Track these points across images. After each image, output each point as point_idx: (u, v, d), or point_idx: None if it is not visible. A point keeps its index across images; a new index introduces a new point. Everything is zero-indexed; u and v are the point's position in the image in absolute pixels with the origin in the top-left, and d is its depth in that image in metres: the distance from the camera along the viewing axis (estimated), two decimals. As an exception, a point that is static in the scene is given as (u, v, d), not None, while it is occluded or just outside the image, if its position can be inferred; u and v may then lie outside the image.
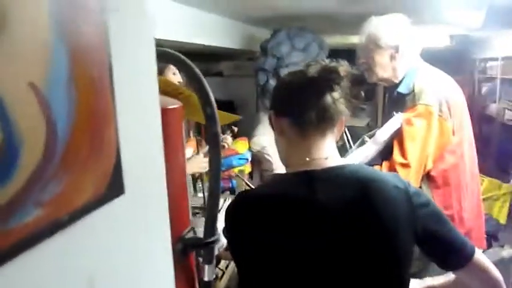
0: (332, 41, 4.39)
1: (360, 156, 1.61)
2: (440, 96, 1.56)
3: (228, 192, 2.88)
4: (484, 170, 4.08)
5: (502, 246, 2.83)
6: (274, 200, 0.87)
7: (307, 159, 0.89)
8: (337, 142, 0.96)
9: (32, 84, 0.30)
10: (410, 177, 1.50)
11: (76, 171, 0.34)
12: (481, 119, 5.58)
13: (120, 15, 0.42)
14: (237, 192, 2.75)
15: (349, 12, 2.90)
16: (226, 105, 3.77)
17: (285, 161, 0.97)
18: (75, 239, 0.36)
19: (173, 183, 0.60)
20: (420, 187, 1.58)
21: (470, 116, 1.70)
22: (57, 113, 0.33)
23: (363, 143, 1.71)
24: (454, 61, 4.58)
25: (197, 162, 1.89)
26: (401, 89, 1.66)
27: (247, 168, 2.75)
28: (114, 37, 0.40)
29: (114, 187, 0.39)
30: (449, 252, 0.88)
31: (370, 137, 1.69)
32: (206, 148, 2.00)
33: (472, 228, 1.64)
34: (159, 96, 0.50)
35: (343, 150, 1.76)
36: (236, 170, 2.66)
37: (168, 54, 0.64)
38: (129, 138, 0.43)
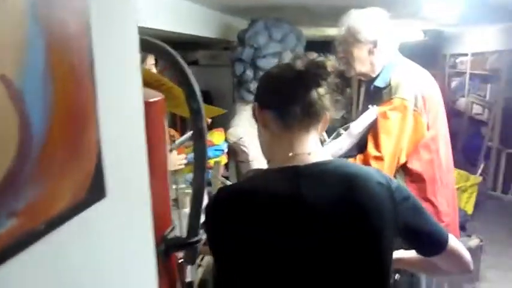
0: (308, 33, 4.39)
1: (334, 148, 1.61)
2: (416, 90, 1.57)
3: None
4: (453, 162, 4.22)
5: (469, 236, 2.93)
6: (256, 196, 0.85)
7: (290, 154, 0.87)
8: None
9: (2, 76, 0.26)
10: (384, 170, 1.50)
11: (54, 175, 0.31)
12: (450, 113, 5.74)
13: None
14: (212, 184, 2.72)
15: (327, 5, 2.89)
16: (203, 96, 3.70)
17: (267, 155, 0.96)
18: (54, 249, 0.32)
19: (155, 180, 0.56)
20: (395, 179, 1.60)
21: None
22: (33, 108, 0.29)
23: (338, 135, 1.71)
24: (427, 56, 4.66)
25: (172, 160, 1.80)
26: (378, 82, 1.66)
27: (223, 159, 2.71)
28: (96, 23, 0.36)
29: (95, 190, 0.36)
30: (427, 243, 0.93)
31: (346, 129, 1.68)
32: (177, 142, 1.92)
33: (449, 223, 1.67)
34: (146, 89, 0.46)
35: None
36: (212, 161, 2.62)
37: (151, 43, 0.60)
38: (111, 135, 0.39)
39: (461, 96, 5.68)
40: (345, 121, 4.24)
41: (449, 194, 1.69)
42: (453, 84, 6.01)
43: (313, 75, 0.84)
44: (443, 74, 5.92)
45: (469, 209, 3.69)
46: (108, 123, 0.39)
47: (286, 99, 0.86)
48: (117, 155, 0.41)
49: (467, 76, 5.44)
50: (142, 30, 1.86)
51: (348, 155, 1.66)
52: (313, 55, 0.87)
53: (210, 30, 3.17)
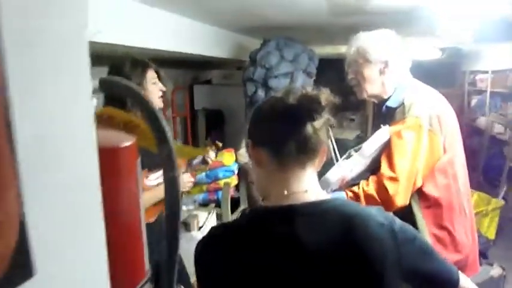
0: (322, 51, 4.36)
1: (344, 169, 1.54)
2: (431, 110, 1.50)
3: (214, 205, 2.80)
4: (472, 184, 4.05)
5: (491, 265, 2.78)
6: (249, 236, 0.81)
7: (286, 192, 0.83)
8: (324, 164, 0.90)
9: None
10: (399, 192, 1.44)
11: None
12: (470, 132, 5.59)
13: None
14: (222, 206, 2.68)
15: (340, 24, 2.87)
16: (215, 114, 3.71)
17: (262, 192, 0.91)
18: None
19: (126, 229, 0.52)
20: (410, 205, 1.51)
21: (460, 128, 1.64)
22: None
23: (349, 156, 1.63)
24: (445, 73, 4.58)
25: (182, 182, 1.79)
26: (391, 103, 1.59)
27: (234, 180, 2.68)
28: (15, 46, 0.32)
29: (17, 269, 0.31)
30: (436, 285, 0.87)
31: (357, 151, 1.60)
32: (194, 162, 1.89)
33: (468, 254, 1.57)
34: (106, 131, 0.42)
35: (330, 164, 1.69)
36: (221, 182, 2.59)
37: (113, 83, 0.57)
38: (43, 197, 0.35)
39: (482, 114, 5.52)
40: (360, 141, 4.16)
41: (468, 222, 1.59)
42: (473, 102, 5.85)
43: (306, 109, 0.80)
44: (462, 92, 5.79)
45: (491, 235, 3.53)
46: (36, 183, 0.34)
47: (279, 136, 0.82)
48: (54, 224, 0.36)
49: (488, 94, 5.29)
50: (156, 53, 1.84)
51: (358, 180, 1.59)
52: (306, 88, 0.84)
53: (222, 50, 3.19)
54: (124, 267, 0.49)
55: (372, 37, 1.59)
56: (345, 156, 1.63)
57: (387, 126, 1.53)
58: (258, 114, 0.88)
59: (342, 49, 5.25)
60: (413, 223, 1.49)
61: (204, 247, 0.84)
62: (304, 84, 2.78)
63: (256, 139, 0.86)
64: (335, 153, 1.91)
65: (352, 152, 1.61)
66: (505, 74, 4.80)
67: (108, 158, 0.43)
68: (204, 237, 0.85)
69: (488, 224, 3.55)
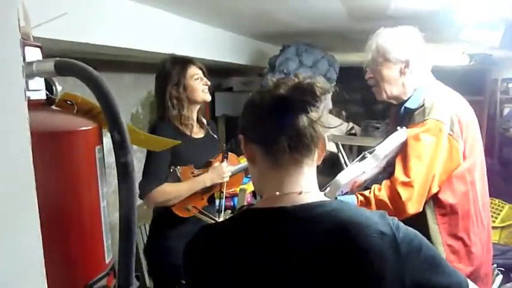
0: (343, 58, 4.30)
1: (356, 171, 1.44)
2: (453, 113, 1.40)
3: (229, 211, 2.79)
4: (504, 195, 3.87)
5: (522, 281, 2.61)
6: (235, 241, 0.75)
7: (278, 193, 0.77)
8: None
9: None
10: (412, 199, 1.35)
11: None
12: (502, 142, 5.36)
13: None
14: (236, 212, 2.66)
15: (360, 29, 2.83)
16: (235, 121, 3.72)
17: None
18: None
19: (83, 218, 0.50)
20: (423, 212, 1.42)
21: (492, 138, 1.54)
22: None
23: (363, 159, 1.50)
24: (473, 81, 4.40)
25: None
26: (410, 104, 1.49)
27: (250, 186, 2.66)
28: None
29: None
30: None
31: (371, 153, 1.48)
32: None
33: (481, 264, 1.48)
34: (65, 115, 0.41)
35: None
36: (237, 189, 2.57)
37: (64, 63, 0.53)
38: None
39: (515, 123, 5.28)
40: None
41: (484, 233, 1.50)
42: (506, 111, 5.62)
43: (299, 101, 0.73)
44: (494, 100, 5.57)
45: (523, 249, 3.34)
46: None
47: (270, 132, 0.75)
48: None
49: (522, 102, 5.06)
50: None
51: (371, 184, 1.52)
52: (300, 77, 0.77)
53: (243, 56, 3.21)
54: (79, 257, 0.47)
55: (393, 34, 1.51)
56: (358, 158, 1.56)
57: (404, 128, 1.45)
58: (248, 108, 0.81)
59: (365, 56, 5.18)
60: (426, 232, 1.41)
61: (190, 249, 0.79)
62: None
63: (248, 135, 0.80)
64: (343, 157, 1.83)
65: (367, 154, 1.52)
66: (539, 81, 4.59)
67: (62, 141, 0.41)
68: (191, 239, 0.80)
69: (521, 238, 3.36)
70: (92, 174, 0.52)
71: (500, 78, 5.77)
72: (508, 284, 2.53)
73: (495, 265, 2.38)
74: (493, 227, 3.19)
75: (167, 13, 2.09)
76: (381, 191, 1.41)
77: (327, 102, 0.78)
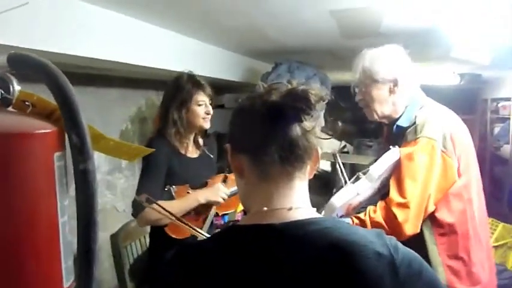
0: (335, 77, 4.31)
1: (350, 193, 1.40)
2: (445, 130, 1.39)
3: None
4: (497, 214, 3.85)
5: (518, 302, 2.56)
6: (216, 260, 0.69)
7: (265, 208, 0.70)
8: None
9: None
10: (409, 220, 1.32)
11: None
12: (493, 161, 5.37)
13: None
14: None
15: (352, 48, 2.83)
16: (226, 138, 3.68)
17: (245, 207, 0.80)
18: None
19: (38, 236, 0.44)
20: (421, 231, 1.39)
21: (483, 157, 1.52)
22: None
23: (357, 179, 1.48)
24: (463, 100, 4.44)
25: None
26: (402, 122, 1.47)
27: (240, 207, 2.60)
28: None
29: None
30: None
31: (365, 173, 1.46)
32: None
33: (487, 283, 1.43)
34: (24, 117, 0.35)
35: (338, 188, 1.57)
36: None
37: (19, 56, 0.48)
38: None
39: (505, 142, 5.32)
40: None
41: (484, 251, 1.46)
42: (496, 130, 5.67)
43: (292, 108, 0.67)
44: (484, 119, 5.63)
45: (518, 269, 3.29)
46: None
47: (260, 140, 0.69)
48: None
49: (511, 122, 5.11)
50: (170, 74, 1.83)
51: (369, 202, 1.48)
52: (293, 83, 0.71)
53: (234, 73, 3.19)
54: (31, 281, 0.41)
55: (378, 55, 1.49)
56: (353, 179, 1.53)
57: (397, 147, 1.43)
58: (237, 114, 0.76)
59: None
60: (425, 253, 1.37)
61: (168, 268, 0.73)
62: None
63: (235, 144, 0.74)
64: (343, 176, 1.80)
65: (361, 174, 1.49)
66: (528, 100, 4.64)
67: (12, 145, 0.36)
68: (169, 258, 0.74)
69: (515, 258, 3.32)
70: (50, 184, 0.46)
71: (490, 98, 5.84)
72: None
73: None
74: (488, 247, 3.16)
75: (156, 27, 2.07)
76: (376, 213, 1.38)
77: (319, 117, 0.74)
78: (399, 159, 1.40)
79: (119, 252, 1.96)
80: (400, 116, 1.51)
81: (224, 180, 1.79)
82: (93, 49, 1.63)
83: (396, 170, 1.40)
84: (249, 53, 3.19)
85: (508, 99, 5.14)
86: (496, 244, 3.27)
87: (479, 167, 1.52)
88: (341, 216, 1.45)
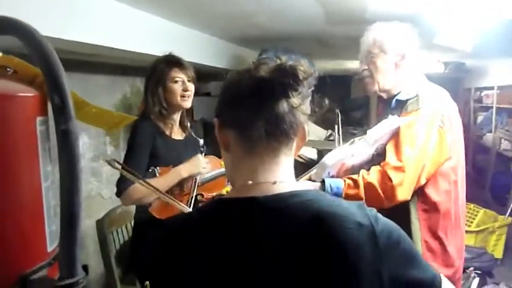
0: (321, 66, 4.32)
1: (344, 152, 1.42)
2: (444, 107, 1.42)
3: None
4: (479, 201, 3.94)
5: (497, 284, 2.64)
6: (201, 233, 0.70)
7: (250, 182, 0.71)
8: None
9: None
10: (403, 184, 1.33)
11: None
12: (477, 149, 5.48)
13: None
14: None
15: (340, 35, 2.84)
16: (213, 125, 3.67)
17: (230, 181, 0.80)
18: None
19: (20, 199, 0.43)
20: (408, 203, 1.41)
21: (466, 145, 1.55)
22: None
23: (352, 144, 1.50)
24: (448, 89, 4.49)
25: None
26: (401, 96, 1.48)
27: (227, 188, 2.60)
28: None
29: None
30: None
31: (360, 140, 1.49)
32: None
33: (458, 268, 1.47)
34: (7, 81, 0.35)
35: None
36: (225, 190, 2.51)
37: (1, 21, 0.46)
38: None
39: (488, 131, 5.42)
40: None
41: (460, 234, 1.50)
42: (479, 119, 5.77)
43: (279, 83, 0.68)
44: (467, 108, 5.71)
45: (498, 253, 3.39)
46: None
47: (246, 116, 0.70)
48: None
49: (494, 110, 5.21)
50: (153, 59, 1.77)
51: (361, 168, 1.47)
52: (282, 59, 0.71)
53: (221, 60, 3.17)
54: (14, 244, 0.40)
55: (390, 28, 1.51)
56: (348, 143, 1.53)
57: (396, 115, 1.44)
58: (225, 89, 0.76)
59: (346, 64, 5.25)
60: (408, 227, 1.41)
61: (151, 247, 0.74)
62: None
63: (223, 118, 0.74)
64: (339, 135, 1.78)
65: (356, 139, 1.50)
66: (510, 89, 4.73)
67: None
68: (151, 237, 0.74)
69: (495, 242, 3.42)
70: (32, 148, 0.46)
71: (474, 87, 5.93)
72: (484, 287, 2.55)
73: (472, 268, 2.40)
74: (469, 231, 3.25)
75: (142, 12, 2.04)
76: (370, 174, 1.37)
77: (308, 96, 0.74)
78: (398, 127, 1.41)
79: (104, 238, 1.96)
80: (399, 92, 1.51)
81: (200, 152, 1.81)
82: (79, 33, 1.61)
83: (394, 136, 1.42)
84: (235, 39, 3.17)
85: (491, 88, 5.23)
86: (477, 229, 3.36)
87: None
88: (332, 176, 1.45)
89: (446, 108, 1.43)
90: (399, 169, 1.34)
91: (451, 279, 1.41)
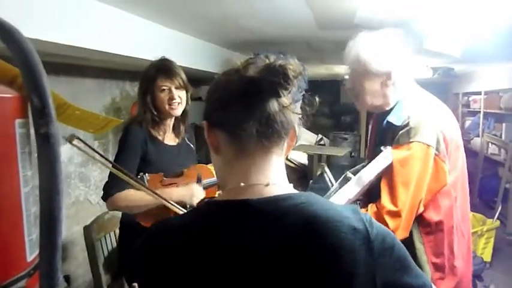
0: (312, 71, 4.32)
1: (342, 199, 1.35)
2: (439, 132, 1.33)
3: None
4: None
5: (487, 287, 2.66)
6: (192, 237, 0.68)
7: (242, 184, 0.70)
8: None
9: None
10: (400, 228, 1.28)
11: None
12: (465, 154, 5.52)
13: None
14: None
15: (330, 40, 2.85)
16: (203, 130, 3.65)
17: (221, 185, 0.78)
18: None
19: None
20: (410, 232, 1.36)
21: None
22: None
23: (345, 180, 1.43)
24: (437, 94, 4.54)
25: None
26: (393, 118, 1.39)
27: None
28: None
29: None
30: None
31: (354, 173, 1.41)
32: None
33: (463, 276, 1.43)
34: None
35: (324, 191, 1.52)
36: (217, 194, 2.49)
37: None
38: None
39: (476, 135, 5.50)
40: (354, 160, 4.06)
41: (465, 245, 1.45)
42: (467, 123, 5.85)
43: (269, 82, 0.66)
44: (456, 113, 5.78)
45: (486, 256, 3.42)
46: None
47: (237, 115, 0.68)
48: None
49: (481, 115, 5.28)
50: (145, 64, 1.74)
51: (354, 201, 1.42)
52: (271, 58, 0.70)
53: (212, 65, 3.16)
54: None
55: (375, 43, 1.39)
56: (340, 179, 1.47)
57: (388, 148, 1.36)
58: (213, 90, 0.74)
59: (335, 69, 5.27)
60: (413, 252, 1.36)
61: (145, 247, 0.72)
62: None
63: (212, 120, 0.72)
64: (329, 179, 1.73)
65: (349, 174, 1.42)
66: (497, 94, 4.80)
67: None
68: (147, 236, 0.73)
69: (484, 246, 3.44)
70: (10, 151, 0.43)
71: (462, 92, 6.02)
72: (474, 291, 2.56)
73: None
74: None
75: (133, 15, 2.02)
76: None
77: (299, 99, 0.73)
78: (391, 163, 1.34)
79: (92, 244, 1.92)
80: (391, 109, 1.44)
81: (199, 179, 1.73)
82: (67, 36, 1.58)
83: (388, 173, 1.34)
84: (226, 44, 3.16)
85: (478, 93, 5.30)
86: (466, 233, 3.38)
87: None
88: None
89: (441, 131, 1.34)
90: (395, 214, 1.29)
91: (459, 285, 1.40)
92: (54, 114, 0.42)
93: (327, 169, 1.41)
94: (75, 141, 1.27)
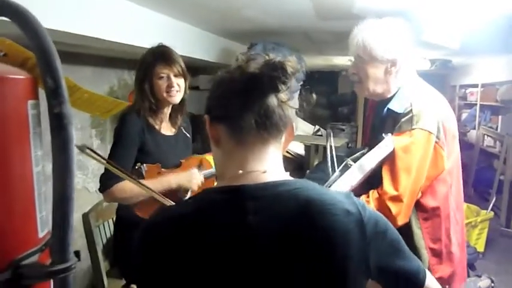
0: (310, 62, 4.31)
1: (344, 187, 1.34)
2: (439, 120, 1.35)
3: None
4: (463, 195, 4.01)
5: (479, 276, 2.71)
6: (192, 224, 0.70)
7: (241, 171, 0.73)
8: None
9: None
10: (401, 213, 1.30)
11: None
12: (460, 145, 5.56)
13: None
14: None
15: (329, 30, 2.85)
16: (201, 119, 3.65)
17: (217, 172, 0.82)
18: None
19: (10, 183, 0.43)
20: (409, 219, 1.38)
21: None
22: None
23: (346, 167, 1.42)
24: (434, 86, 4.56)
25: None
26: (394, 106, 1.40)
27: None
28: None
29: None
30: (403, 283, 0.77)
31: (354, 160, 1.40)
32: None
33: (459, 262, 1.46)
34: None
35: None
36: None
37: None
38: None
39: (472, 128, 5.53)
40: (350, 151, 4.08)
41: (460, 232, 1.49)
42: (463, 116, 5.88)
43: (269, 78, 0.70)
44: (452, 105, 5.81)
45: (480, 247, 3.47)
46: None
47: (237, 110, 0.72)
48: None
49: (478, 107, 5.31)
50: (143, 52, 1.72)
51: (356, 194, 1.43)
52: (270, 55, 0.74)
53: (210, 54, 3.15)
54: (4, 230, 0.40)
55: (381, 30, 1.40)
56: (341, 166, 1.48)
57: (390, 135, 1.37)
58: (215, 86, 0.77)
59: (333, 60, 5.27)
60: (410, 237, 1.38)
61: (146, 236, 0.73)
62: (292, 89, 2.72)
63: (213, 114, 0.76)
64: (332, 162, 1.74)
65: (350, 161, 1.41)
66: (494, 87, 4.82)
67: None
68: (146, 225, 0.74)
69: (477, 236, 3.49)
70: (23, 132, 0.45)
71: (458, 84, 6.04)
72: (466, 280, 2.60)
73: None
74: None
75: (130, 3, 2.01)
76: (370, 204, 1.34)
77: (295, 98, 0.76)
78: (393, 150, 1.35)
79: (90, 231, 1.93)
80: (392, 97, 1.45)
81: (199, 166, 1.73)
82: (64, 23, 1.57)
83: (390, 160, 1.36)
84: (224, 33, 3.15)
85: (475, 86, 5.32)
86: (460, 223, 3.42)
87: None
88: None
89: (441, 119, 1.37)
90: (397, 199, 1.31)
91: (455, 272, 1.43)
92: (67, 94, 0.43)
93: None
94: (87, 151, 1.28)
